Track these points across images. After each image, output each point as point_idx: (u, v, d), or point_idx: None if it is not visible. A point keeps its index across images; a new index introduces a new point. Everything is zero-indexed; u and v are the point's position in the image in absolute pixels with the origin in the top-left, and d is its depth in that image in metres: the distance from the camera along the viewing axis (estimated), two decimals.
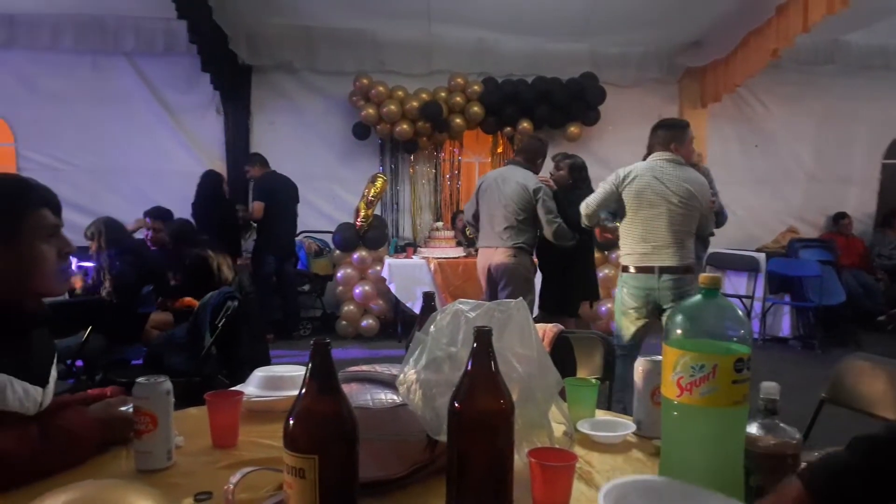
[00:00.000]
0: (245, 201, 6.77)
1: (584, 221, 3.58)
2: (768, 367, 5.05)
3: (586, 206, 3.52)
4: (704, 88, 7.34)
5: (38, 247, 1.32)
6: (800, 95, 7.61)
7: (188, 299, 4.08)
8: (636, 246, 3.37)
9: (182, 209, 5.30)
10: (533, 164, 4.37)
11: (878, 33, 6.90)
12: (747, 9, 5.96)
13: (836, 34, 7.00)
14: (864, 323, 6.52)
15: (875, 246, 7.52)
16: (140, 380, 1.21)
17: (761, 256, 6.55)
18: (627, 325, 3.46)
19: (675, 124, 3.53)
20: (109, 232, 4.11)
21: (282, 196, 6.14)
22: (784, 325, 6.46)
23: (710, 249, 6.77)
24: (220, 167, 6.91)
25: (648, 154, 3.50)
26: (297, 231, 6.50)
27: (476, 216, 4.44)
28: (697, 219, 3.35)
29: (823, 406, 1.88)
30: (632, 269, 3.40)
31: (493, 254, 4.20)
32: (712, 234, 3.96)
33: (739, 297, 6.31)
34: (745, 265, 6.55)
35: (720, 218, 3.88)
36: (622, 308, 3.49)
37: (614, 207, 3.48)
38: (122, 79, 6.75)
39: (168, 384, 1.23)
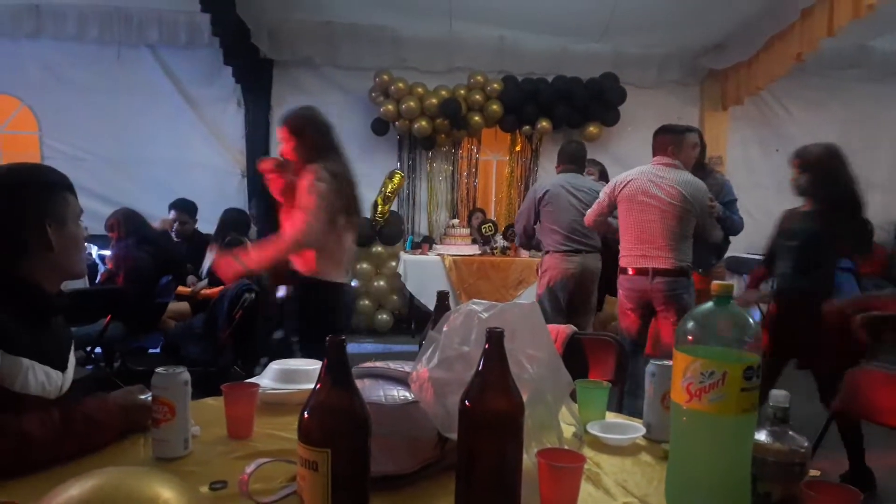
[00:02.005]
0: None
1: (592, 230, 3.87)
2: (783, 373, 5.00)
3: (586, 218, 3.75)
4: (726, 91, 7.27)
5: (75, 230, 1.40)
6: (824, 100, 7.52)
7: (208, 290, 4.14)
8: (632, 248, 3.48)
9: (202, 201, 5.34)
10: (584, 170, 4.41)
11: None
12: (771, 12, 5.89)
13: (863, 39, 6.90)
14: None
15: None
16: (159, 370, 1.24)
17: None
18: (628, 325, 3.60)
19: (672, 129, 3.61)
20: (128, 223, 4.18)
21: None
22: None
23: (728, 253, 6.71)
24: (241, 160, 6.97)
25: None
26: None
27: (532, 227, 4.35)
28: (693, 222, 3.41)
29: (836, 415, 1.87)
30: (629, 272, 3.50)
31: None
32: (728, 242, 3.94)
33: (757, 302, 6.25)
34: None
35: (731, 225, 3.84)
36: (622, 308, 3.64)
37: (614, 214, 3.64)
38: (146, 70, 6.81)
39: (186, 375, 1.26)
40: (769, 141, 7.67)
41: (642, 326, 3.55)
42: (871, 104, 7.50)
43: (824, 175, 2.95)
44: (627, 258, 3.50)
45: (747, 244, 7.41)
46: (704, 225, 3.47)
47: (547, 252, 4.22)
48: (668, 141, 3.51)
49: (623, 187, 3.49)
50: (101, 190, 6.01)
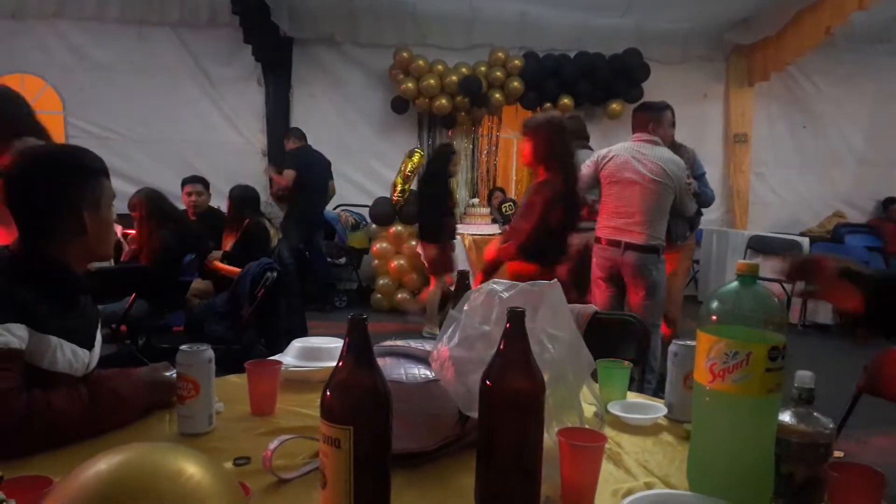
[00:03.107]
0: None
1: None
2: (807, 353, 4.95)
3: None
4: (753, 67, 7.13)
5: (108, 215, 1.42)
6: (853, 75, 7.34)
7: (230, 268, 4.17)
8: (608, 220, 3.57)
9: (223, 179, 5.36)
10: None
11: None
12: None
13: (894, 12, 6.71)
14: None
15: None
16: (183, 347, 1.26)
17: (804, 241, 6.39)
18: (598, 294, 3.69)
19: (652, 106, 3.73)
20: (151, 202, 4.20)
21: (316, 170, 6.16)
22: (825, 311, 6.32)
23: (752, 232, 6.65)
24: (261, 139, 7.00)
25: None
26: (335, 204, 6.56)
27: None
28: (671, 198, 3.49)
29: (861, 395, 1.85)
30: (602, 242, 3.60)
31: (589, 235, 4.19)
32: (700, 214, 4.06)
33: (780, 280, 6.15)
34: (787, 249, 6.40)
35: (703, 199, 3.94)
36: (593, 278, 3.72)
37: (596, 187, 3.71)
38: (167, 49, 6.84)
39: (210, 352, 1.27)
40: (796, 118, 7.53)
41: (612, 298, 3.62)
42: None
43: (544, 144, 3.08)
44: (603, 229, 3.60)
45: (772, 223, 7.34)
46: (682, 200, 3.57)
47: None
48: (649, 118, 3.61)
49: (606, 162, 3.56)
50: (123, 169, 6.08)
